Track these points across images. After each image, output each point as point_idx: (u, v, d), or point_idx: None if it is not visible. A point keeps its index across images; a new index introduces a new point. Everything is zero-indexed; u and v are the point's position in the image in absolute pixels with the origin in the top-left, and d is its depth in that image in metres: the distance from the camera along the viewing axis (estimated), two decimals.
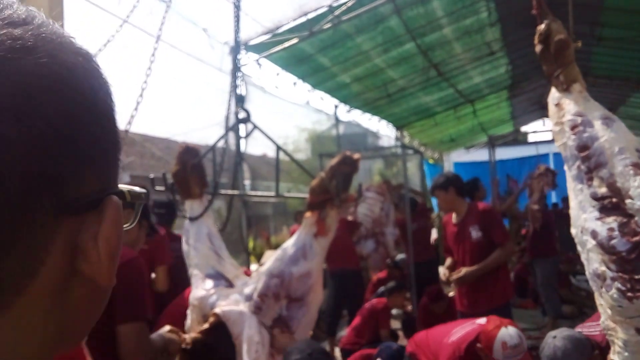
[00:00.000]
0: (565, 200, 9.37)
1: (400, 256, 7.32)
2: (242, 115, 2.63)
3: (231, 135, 2.64)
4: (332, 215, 2.41)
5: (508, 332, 2.77)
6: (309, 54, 5.77)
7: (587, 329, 2.56)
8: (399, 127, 9.40)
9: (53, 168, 0.38)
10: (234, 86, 2.69)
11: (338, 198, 2.38)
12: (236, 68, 2.92)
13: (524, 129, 12.80)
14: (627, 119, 10.56)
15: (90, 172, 0.42)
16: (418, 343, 3.36)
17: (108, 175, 0.45)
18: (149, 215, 2.58)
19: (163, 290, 4.51)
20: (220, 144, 2.64)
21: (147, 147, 11.45)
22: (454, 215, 4.28)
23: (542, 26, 2.04)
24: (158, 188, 2.80)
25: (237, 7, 2.75)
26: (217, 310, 2.28)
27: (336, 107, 7.58)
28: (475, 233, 4.07)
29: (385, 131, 10.51)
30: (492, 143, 10.52)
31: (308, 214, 2.43)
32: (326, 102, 7.39)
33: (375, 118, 8.67)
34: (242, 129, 2.77)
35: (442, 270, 4.35)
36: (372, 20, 5.41)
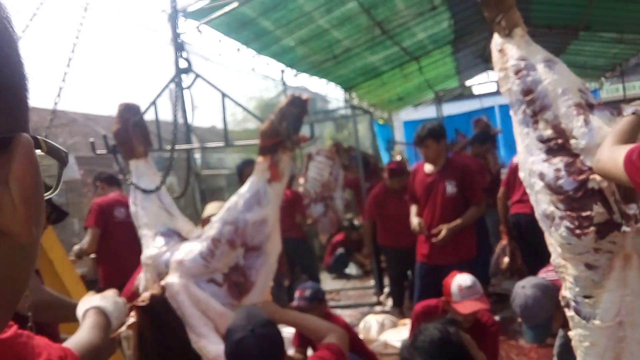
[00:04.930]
0: None
1: (348, 216, 7.44)
2: (182, 64, 2.51)
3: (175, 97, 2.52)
4: (284, 159, 2.33)
5: (462, 277, 3.12)
6: (251, 17, 5.63)
7: (551, 273, 2.64)
8: (347, 88, 9.36)
9: None
10: (177, 52, 2.55)
11: (290, 140, 2.30)
12: (176, 35, 2.81)
13: (469, 83, 12.97)
14: (568, 66, 10.78)
15: None
16: None
17: (15, 116, 0.39)
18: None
19: (89, 251, 4.52)
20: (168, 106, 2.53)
21: (90, 127, 11.06)
22: (427, 165, 4.20)
23: None
24: (99, 151, 2.69)
25: None
26: (162, 282, 2.22)
27: (282, 71, 7.46)
28: (450, 188, 4.04)
29: (333, 94, 10.47)
30: (439, 99, 10.64)
31: (260, 159, 2.34)
32: (272, 68, 7.28)
33: (323, 81, 8.60)
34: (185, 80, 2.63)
35: (415, 220, 4.29)
36: None
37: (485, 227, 5.63)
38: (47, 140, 0.43)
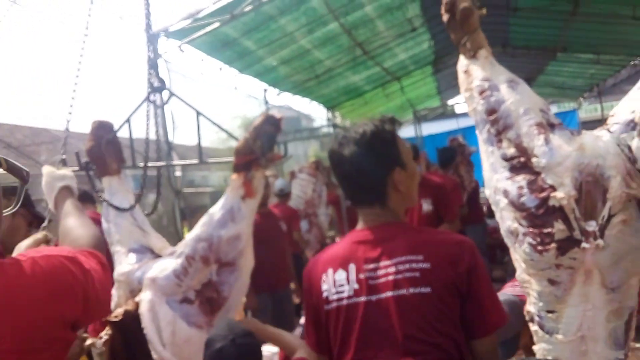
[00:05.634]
0: None
1: (330, 234, 7.46)
2: (156, 83, 2.54)
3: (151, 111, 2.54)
4: (258, 176, 2.36)
5: None
6: (233, 37, 5.70)
7: (518, 288, 2.65)
8: (329, 107, 9.46)
9: None
10: (153, 71, 2.58)
11: (264, 158, 2.33)
12: (156, 54, 2.83)
13: (451, 102, 13.14)
14: (546, 87, 11.00)
15: None
16: None
17: None
18: (30, 202, 2.49)
19: None
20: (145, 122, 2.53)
21: (74, 144, 11.01)
22: None
23: None
24: (71, 169, 2.69)
25: None
26: (137, 299, 2.23)
27: (265, 90, 7.53)
28: (426, 206, 4.12)
29: (317, 113, 10.56)
30: (418, 118, 10.76)
31: (234, 177, 2.36)
32: (255, 87, 7.36)
33: (306, 100, 8.69)
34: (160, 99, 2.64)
35: None
36: (294, 1, 5.39)
37: None
38: (8, 159, 0.46)
